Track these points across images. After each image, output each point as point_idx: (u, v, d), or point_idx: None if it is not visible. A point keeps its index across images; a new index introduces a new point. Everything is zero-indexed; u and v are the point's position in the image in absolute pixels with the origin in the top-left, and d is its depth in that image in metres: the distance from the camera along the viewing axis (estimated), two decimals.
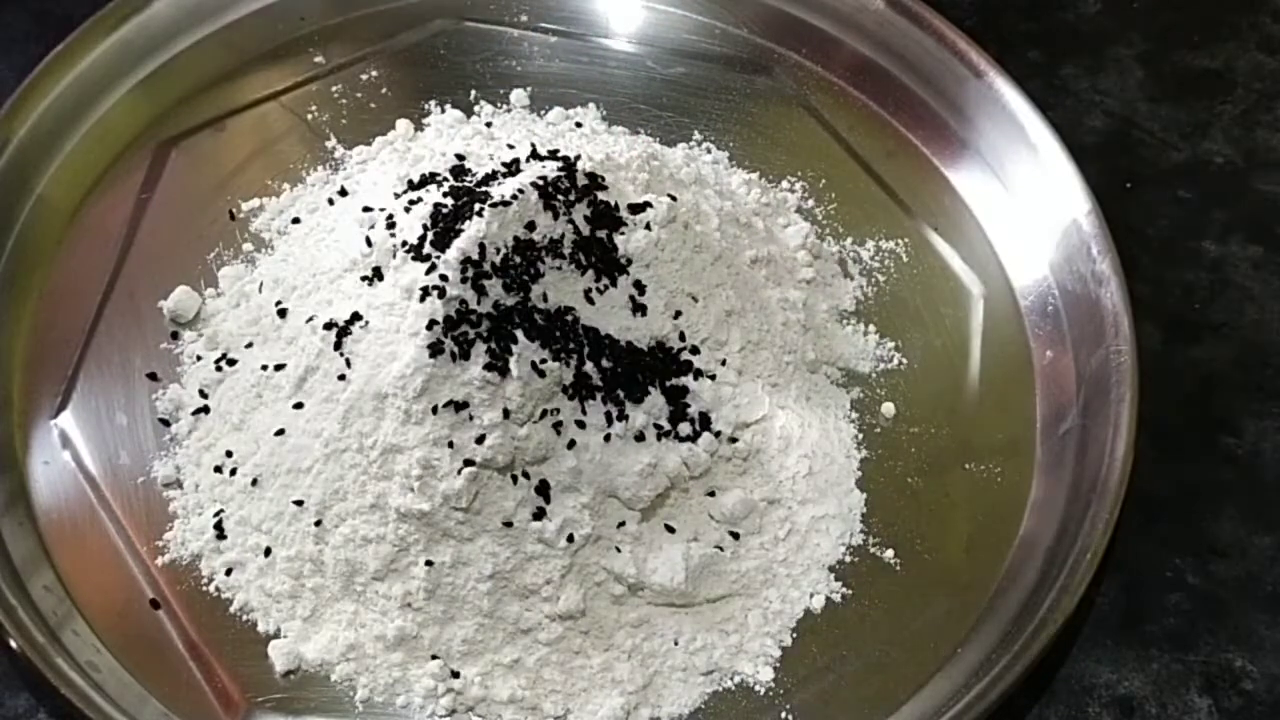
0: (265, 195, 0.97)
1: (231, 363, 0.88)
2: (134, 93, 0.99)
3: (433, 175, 0.88)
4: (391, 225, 0.86)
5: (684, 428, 0.83)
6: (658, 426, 0.82)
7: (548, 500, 0.80)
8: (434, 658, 0.80)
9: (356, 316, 0.83)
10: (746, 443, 0.85)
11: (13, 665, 0.81)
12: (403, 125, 0.99)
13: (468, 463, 0.78)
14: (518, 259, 0.81)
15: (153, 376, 0.89)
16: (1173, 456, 0.91)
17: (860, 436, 0.89)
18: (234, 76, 1.02)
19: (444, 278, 0.80)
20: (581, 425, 0.80)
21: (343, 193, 0.95)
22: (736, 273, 0.88)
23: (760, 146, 1.01)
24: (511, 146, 0.88)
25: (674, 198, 0.86)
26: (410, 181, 0.88)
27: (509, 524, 0.79)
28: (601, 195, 0.84)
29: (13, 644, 0.77)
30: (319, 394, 0.82)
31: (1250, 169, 1.05)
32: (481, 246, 0.80)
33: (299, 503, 0.82)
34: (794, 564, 0.84)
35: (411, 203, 0.86)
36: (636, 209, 0.84)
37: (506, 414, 0.78)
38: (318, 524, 0.81)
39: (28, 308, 0.91)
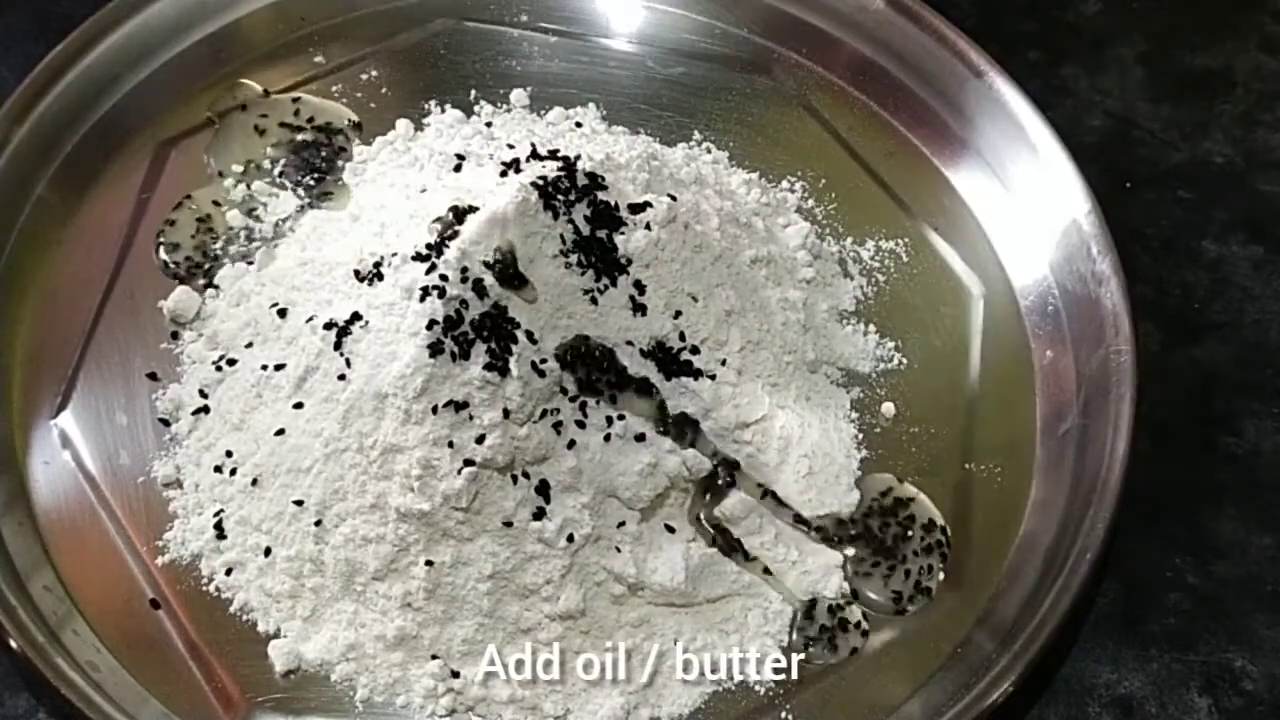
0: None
1: (231, 363, 0.88)
2: (134, 93, 0.99)
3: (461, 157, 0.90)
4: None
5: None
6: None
7: (548, 500, 0.80)
8: (434, 658, 0.80)
9: (356, 316, 0.83)
10: (746, 443, 0.85)
11: (13, 665, 0.81)
12: (403, 125, 0.99)
13: (468, 463, 0.78)
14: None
15: (153, 376, 0.89)
16: (1173, 456, 0.91)
17: (860, 436, 0.89)
18: (234, 76, 1.02)
19: (444, 278, 0.80)
20: (581, 425, 0.80)
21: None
22: (736, 273, 0.88)
23: (760, 146, 1.01)
24: (511, 146, 0.88)
25: (674, 198, 0.86)
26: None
27: (509, 524, 0.79)
28: (601, 195, 0.83)
29: (13, 644, 0.77)
30: (319, 394, 0.82)
31: (1250, 169, 1.05)
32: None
33: (299, 503, 0.82)
34: (794, 564, 0.84)
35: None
36: (636, 209, 0.84)
37: (506, 414, 0.78)
38: (318, 524, 0.81)
39: (28, 308, 0.91)
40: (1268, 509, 0.90)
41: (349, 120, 1.00)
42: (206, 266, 0.93)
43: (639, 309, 0.83)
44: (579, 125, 0.99)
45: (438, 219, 0.83)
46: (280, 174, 0.97)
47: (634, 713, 0.80)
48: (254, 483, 0.83)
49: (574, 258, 0.82)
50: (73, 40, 0.97)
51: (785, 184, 0.99)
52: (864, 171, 1.00)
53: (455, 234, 0.81)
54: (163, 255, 0.93)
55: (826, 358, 0.91)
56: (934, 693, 0.80)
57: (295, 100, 1.01)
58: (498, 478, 0.79)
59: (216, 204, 0.96)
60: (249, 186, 0.96)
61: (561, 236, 0.82)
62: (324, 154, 0.98)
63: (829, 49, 1.04)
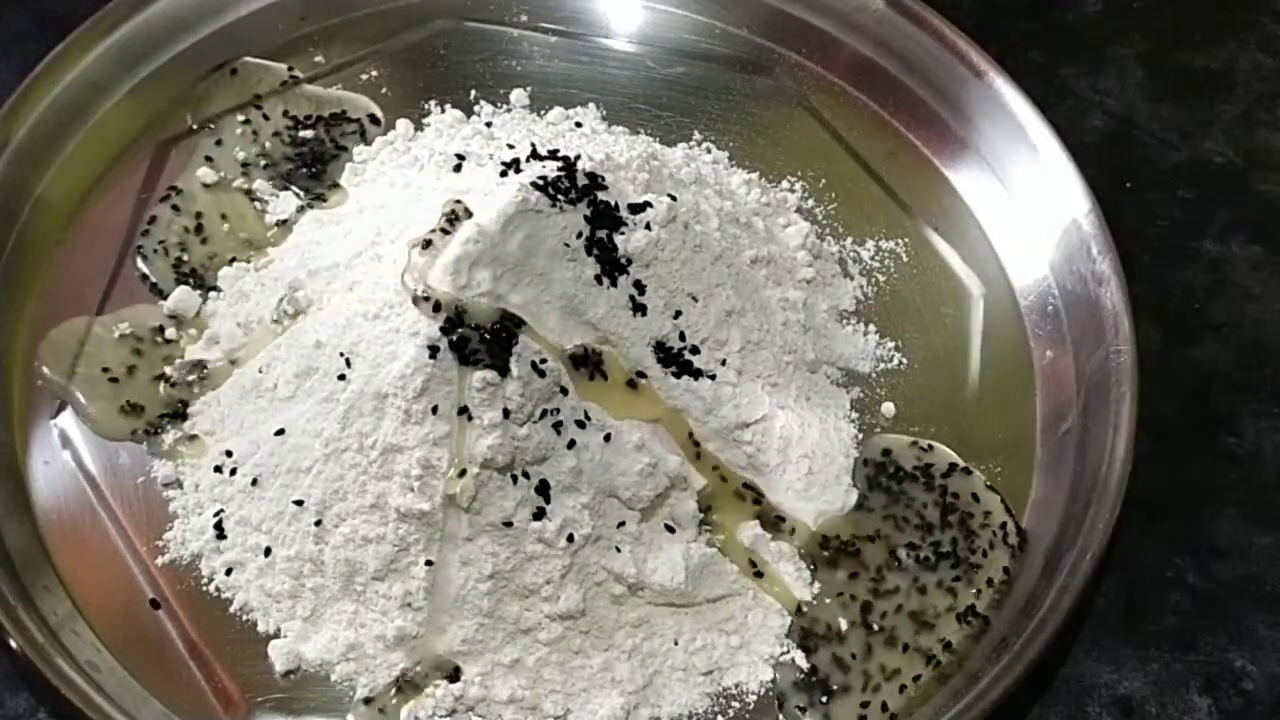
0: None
1: (232, 363, 0.88)
2: (134, 93, 1.00)
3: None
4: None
5: None
6: None
7: (548, 500, 0.79)
8: (434, 658, 0.80)
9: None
10: (746, 443, 0.85)
11: (13, 665, 0.81)
12: (403, 125, 0.99)
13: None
14: None
15: None
16: (1173, 456, 0.91)
17: (860, 436, 0.89)
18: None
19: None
20: (581, 425, 0.80)
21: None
22: (736, 273, 0.88)
23: (760, 146, 1.01)
24: (511, 146, 0.88)
25: (674, 198, 0.86)
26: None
27: (509, 524, 0.79)
28: (601, 195, 0.83)
29: (13, 644, 0.77)
30: (319, 394, 0.82)
31: (1250, 169, 1.05)
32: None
33: (299, 502, 0.81)
34: (794, 564, 0.84)
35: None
36: (636, 209, 0.84)
37: (506, 414, 0.78)
38: (318, 524, 0.81)
39: (28, 308, 0.91)
40: (1268, 509, 0.90)
41: (368, 114, 1.00)
42: (199, 273, 0.93)
43: (639, 309, 0.83)
44: (579, 125, 0.99)
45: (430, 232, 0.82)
46: (280, 163, 0.97)
47: (634, 713, 0.80)
48: (254, 483, 0.83)
49: (579, 255, 0.82)
50: (73, 40, 0.97)
51: (785, 184, 0.99)
52: (864, 171, 1.00)
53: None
54: (141, 266, 0.93)
55: (826, 358, 0.91)
56: (934, 693, 0.80)
57: (312, 89, 1.01)
58: (498, 478, 0.79)
59: (206, 187, 0.96)
60: (250, 179, 0.96)
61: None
62: (329, 144, 0.98)
63: (829, 49, 1.04)
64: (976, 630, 0.81)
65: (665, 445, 0.83)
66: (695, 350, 0.85)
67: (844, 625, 0.82)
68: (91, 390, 0.88)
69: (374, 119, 1.00)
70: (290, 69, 1.02)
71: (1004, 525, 0.85)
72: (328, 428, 0.81)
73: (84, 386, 0.88)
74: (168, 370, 0.88)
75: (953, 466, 0.87)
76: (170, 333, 0.90)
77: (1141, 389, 0.86)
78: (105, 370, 0.88)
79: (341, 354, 0.81)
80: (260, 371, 0.86)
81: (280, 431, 0.83)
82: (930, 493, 0.86)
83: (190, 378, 0.88)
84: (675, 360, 0.84)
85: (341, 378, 0.81)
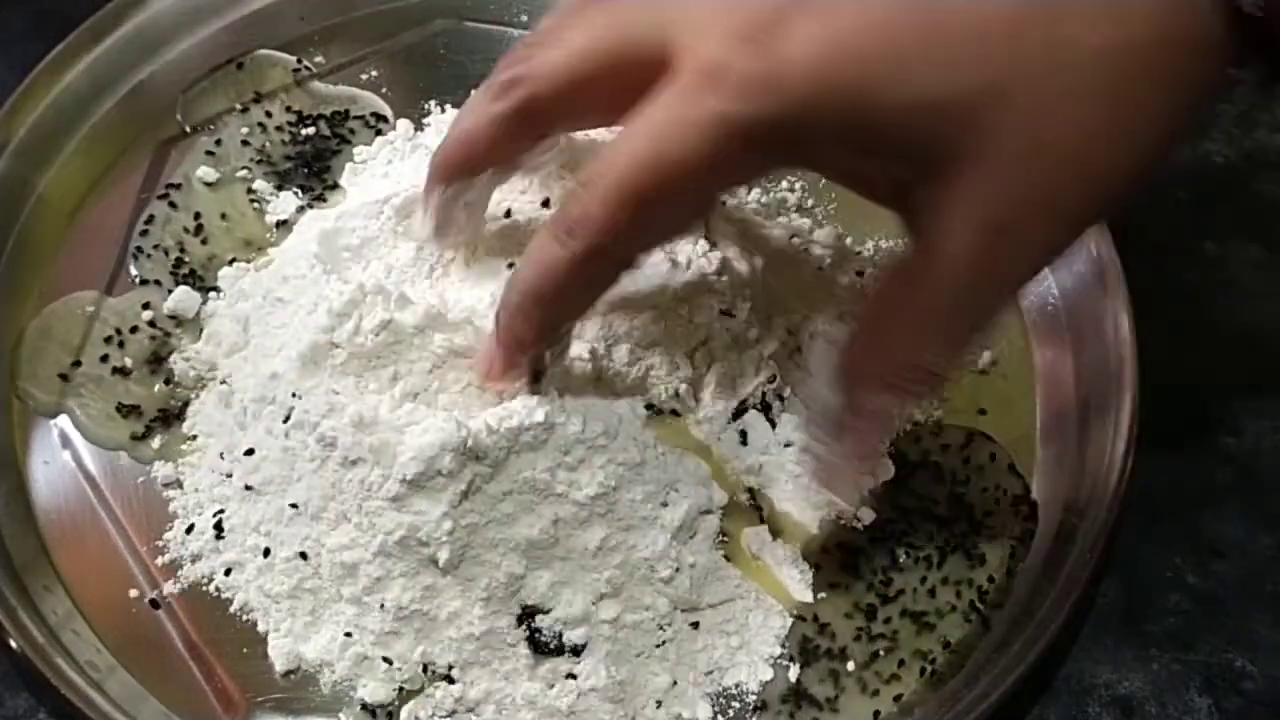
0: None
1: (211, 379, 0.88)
2: (134, 92, 1.00)
3: None
4: None
5: None
6: None
7: None
8: (434, 660, 0.80)
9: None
10: None
11: (13, 665, 0.81)
12: (403, 125, 0.99)
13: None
14: None
15: None
16: (1173, 456, 0.91)
17: None
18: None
19: None
20: None
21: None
22: None
23: None
24: None
25: None
26: None
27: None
28: None
29: (13, 644, 0.77)
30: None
31: (1250, 169, 1.05)
32: None
33: (294, 505, 0.81)
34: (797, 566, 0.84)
35: None
36: None
37: None
38: (315, 525, 0.81)
39: (28, 308, 0.91)
40: (1268, 509, 0.90)
41: (373, 112, 1.00)
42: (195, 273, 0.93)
43: None
44: None
45: None
46: (280, 162, 0.97)
47: (635, 714, 0.80)
48: (248, 486, 0.83)
49: None
50: (73, 40, 0.97)
51: (785, 184, 0.99)
52: None
53: None
54: (134, 269, 0.93)
55: None
56: (934, 693, 0.80)
57: (318, 86, 1.01)
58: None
59: (207, 185, 0.96)
60: (251, 175, 0.97)
61: None
62: (333, 139, 0.98)
63: None
64: (977, 629, 0.81)
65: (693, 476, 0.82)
66: None
67: (847, 637, 0.82)
68: (83, 394, 0.88)
69: (380, 117, 1.00)
70: (300, 60, 1.02)
71: (1018, 499, 0.85)
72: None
73: (75, 392, 0.88)
74: (127, 361, 0.89)
75: (970, 436, 0.87)
76: (146, 315, 0.90)
77: (1142, 389, 0.86)
78: (77, 366, 0.88)
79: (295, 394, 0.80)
80: (222, 383, 0.86)
81: (250, 452, 0.82)
82: (940, 484, 0.86)
83: (152, 374, 0.88)
84: None
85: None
